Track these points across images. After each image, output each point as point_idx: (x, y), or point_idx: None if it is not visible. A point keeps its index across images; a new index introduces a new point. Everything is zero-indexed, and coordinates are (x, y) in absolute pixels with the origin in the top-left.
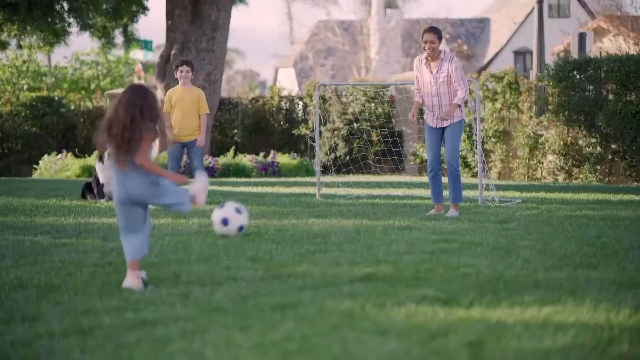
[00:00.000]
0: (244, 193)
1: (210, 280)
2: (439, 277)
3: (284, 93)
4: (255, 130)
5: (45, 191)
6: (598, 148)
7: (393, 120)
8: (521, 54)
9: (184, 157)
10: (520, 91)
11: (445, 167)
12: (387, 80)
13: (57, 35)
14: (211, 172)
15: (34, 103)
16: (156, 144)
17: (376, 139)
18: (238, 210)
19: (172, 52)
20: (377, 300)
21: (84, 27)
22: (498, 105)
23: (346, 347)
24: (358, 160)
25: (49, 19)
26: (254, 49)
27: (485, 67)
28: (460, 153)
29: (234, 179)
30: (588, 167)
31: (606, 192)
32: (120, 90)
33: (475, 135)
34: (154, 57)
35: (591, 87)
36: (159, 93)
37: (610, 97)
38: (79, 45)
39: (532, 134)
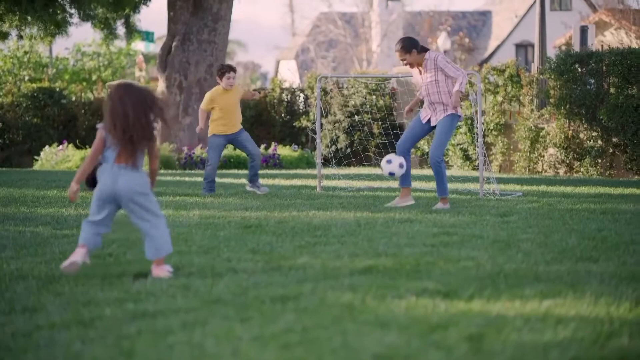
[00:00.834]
0: (245, 185)
1: (210, 272)
2: (440, 270)
3: (285, 85)
4: (257, 122)
5: (46, 182)
6: (599, 141)
7: (394, 112)
8: (523, 47)
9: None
10: (521, 84)
11: (419, 156)
12: (389, 73)
13: (58, 26)
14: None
15: (35, 94)
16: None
17: (377, 131)
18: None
19: (174, 43)
20: (378, 293)
21: (85, 18)
22: (499, 98)
23: (346, 339)
24: (359, 153)
25: (51, 10)
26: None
27: (486, 60)
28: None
29: (235, 171)
30: (589, 161)
31: (607, 185)
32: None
33: (476, 128)
34: (155, 48)
35: (593, 81)
36: (160, 84)
37: (612, 90)
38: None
39: (533, 127)
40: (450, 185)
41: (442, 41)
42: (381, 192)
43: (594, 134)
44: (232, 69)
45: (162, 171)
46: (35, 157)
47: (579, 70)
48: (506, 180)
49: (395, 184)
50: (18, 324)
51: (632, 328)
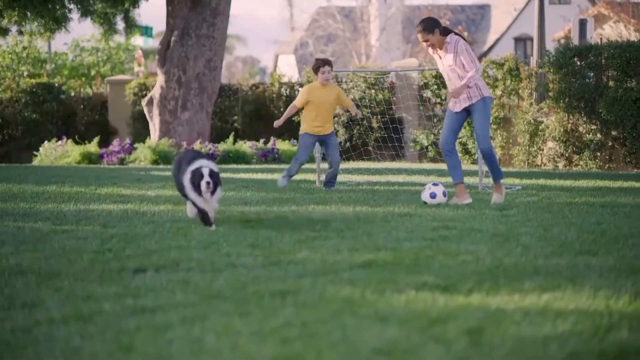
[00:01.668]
0: (244, 179)
1: (210, 267)
2: (439, 264)
3: (284, 80)
4: (256, 116)
5: (45, 178)
6: (598, 135)
7: (393, 106)
8: (522, 41)
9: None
10: (520, 78)
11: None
12: (388, 67)
13: (57, 22)
14: (210, 158)
15: (34, 89)
16: (156, 129)
17: (376, 125)
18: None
19: (173, 38)
20: (377, 287)
21: (85, 13)
22: (498, 91)
23: (346, 333)
24: (358, 147)
25: (50, 6)
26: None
27: (485, 54)
28: (460, 139)
29: (234, 166)
30: (588, 154)
31: (606, 179)
32: (121, 77)
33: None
34: (154, 43)
35: (592, 74)
36: (159, 79)
37: (611, 83)
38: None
39: (532, 121)
40: (449, 180)
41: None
42: (380, 186)
43: (593, 127)
44: (326, 62)
45: (160, 166)
46: (35, 153)
47: (578, 63)
48: (506, 174)
49: (394, 179)
50: (17, 320)
51: (631, 321)
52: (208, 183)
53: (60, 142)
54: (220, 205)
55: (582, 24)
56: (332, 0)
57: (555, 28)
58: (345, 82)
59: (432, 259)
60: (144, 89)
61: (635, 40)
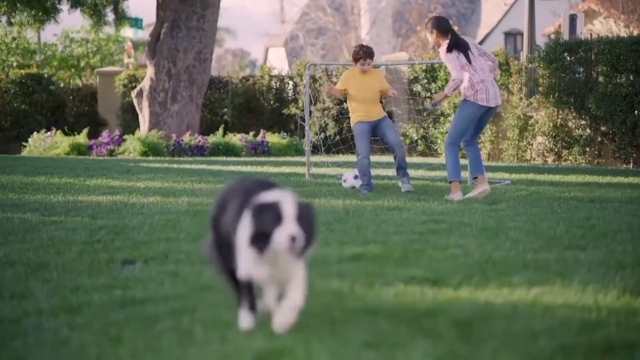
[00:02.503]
0: (234, 172)
1: (199, 259)
2: (428, 258)
3: (274, 72)
4: (245, 109)
5: (34, 169)
6: (587, 130)
7: (383, 100)
8: (512, 35)
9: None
10: (510, 72)
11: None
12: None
13: (47, 13)
14: (200, 150)
15: (23, 80)
16: (146, 121)
17: None
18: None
19: (163, 30)
20: (366, 280)
21: (74, 4)
22: None
23: (335, 326)
24: (348, 140)
25: None
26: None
27: None
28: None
29: (224, 158)
30: (577, 149)
31: (595, 174)
32: (110, 68)
33: None
34: (144, 35)
35: (581, 69)
36: (149, 71)
37: (601, 79)
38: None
39: (522, 116)
40: (439, 174)
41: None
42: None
43: (583, 122)
44: (369, 54)
45: (150, 158)
46: (24, 144)
47: (568, 58)
48: (495, 169)
49: (383, 173)
50: (6, 311)
51: (620, 316)
52: (293, 238)
53: (49, 133)
54: (210, 197)
55: (572, 19)
56: None
57: (546, 23)
58: (336, 75)
59: (421, 252)
60: (133, 80)
61: (625, 36)
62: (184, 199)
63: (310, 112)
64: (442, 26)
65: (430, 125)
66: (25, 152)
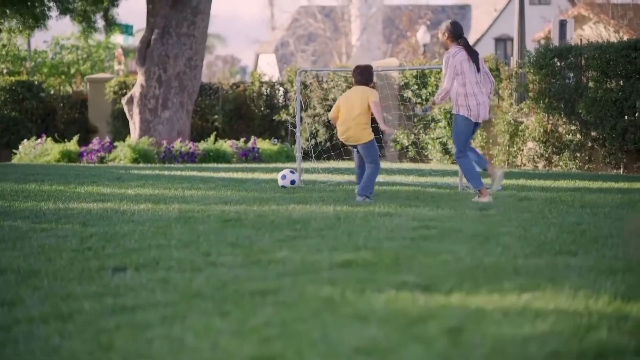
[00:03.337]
0: (224, 179)
1: (190, 266)
2: (419, 264)
3: (265, 79)
4: (236, 116)
5: (24, 176)
6: (578, 135)
7: None
8: (502, 41)
9: None
10: (500, 78)
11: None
12: None
13: (36, 19)
14: (191, 157)
15: (13, 87)
16: (136, 128)
17: None
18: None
19: (153, 37)
20: (357, 287)
21: (64, 11)
22: None
23: (326, 332)
24: (339, 147)
25: (29, 3)
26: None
27: None
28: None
29: (214, 165)
30: (568, 155)
31: (586, 179)
32: (101, 75)
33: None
34: (134, 41)
35: (571, 75)
36: (139, 78)
37: (591, 84)
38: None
39: (512, 121)
40: (430, 179)
41: (422, 35)
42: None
43: (573, 127)
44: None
45: (140, 165)
46: (14, 151)
47: (558, 64)
48: (486, 174)
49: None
50: None
51: (611, 321)
52: None
53: (39, 140)
54: (200, 204)
55: (562, 24)
56: None
57: (536, 29)
58: (326, 81)
59: (412, 258)
60: (124, 87)
61: (615, 41)
62: (174, 206)
63: (301, 118)
64: (456, 30)
65: (421, 131)
66: (15, 160)
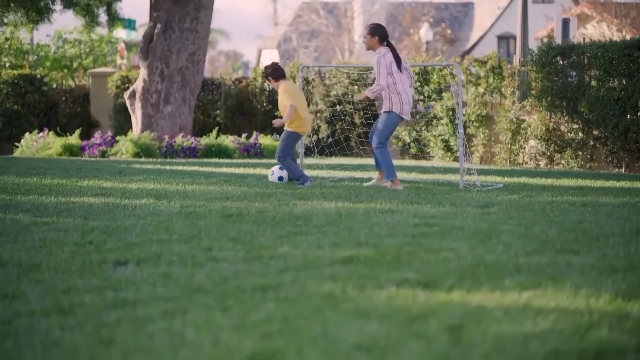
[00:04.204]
0: (226, 174)
1: (191, 261)
2: (420, 261)
3: None
4: (238, 111)
5: (26, 169)
6: (580, 134)
7: (376, 103)
8: (505, 39)
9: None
10: (503, 76)
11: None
12: (370, 63)
13: (40, 13)
14: (193, 152)
15: (16, 81)
16: (138, 122)
17: (359, 121)
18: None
19: (156, 31)
20: (358, 283)
21: (67, 5)
22: (481, 89)
23: (326, 328)
24: (341, 143)
25: None
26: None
27: (468, 52)
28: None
29: (216, 160)
30: (570, 153)
31: (587, 178)
32: (103, 69)
33: (457, 119)
34: (137, 36)
35: (574, 73)
36: (142, 72)
37: (593, 83)
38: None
39: (514, 119)
40: (431, 176)
41: (424, 32)
42: (362, 182)
43: (575, 126)
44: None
45: (142, 159)
46: (16, 144)
47: (561, 62)
48: (487, 172)
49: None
50: None
51: (612, 320)
52: None
53: (41, 133)
54: (202, 199)
55: (565, 23)
56: None
57: (538, 27)
58: (329, 77)
59: (413, 255)
60: (126, 81)
61: (618, 40)
62: (176, 201)
63: None
64: (384, 34)
65: (423, 128)
66: (17, 153)
